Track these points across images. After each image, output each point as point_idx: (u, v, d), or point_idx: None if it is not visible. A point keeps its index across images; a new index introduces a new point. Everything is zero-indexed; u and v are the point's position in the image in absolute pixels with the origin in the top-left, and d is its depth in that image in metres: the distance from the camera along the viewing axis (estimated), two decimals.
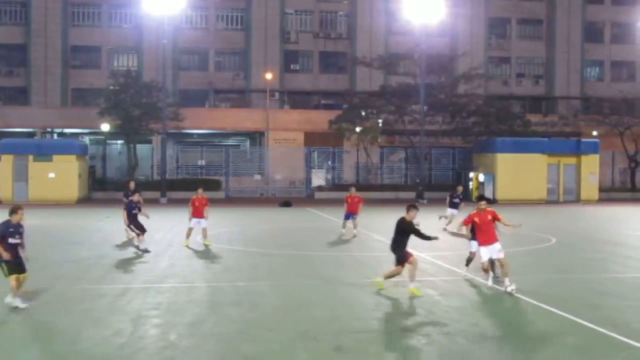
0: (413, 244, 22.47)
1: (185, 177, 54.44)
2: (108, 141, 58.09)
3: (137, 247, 20.25)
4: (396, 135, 58.64)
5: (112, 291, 14.21)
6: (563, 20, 68.89)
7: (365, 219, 27.33)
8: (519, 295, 13.48)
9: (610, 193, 54.57)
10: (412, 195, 49.83)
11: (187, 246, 21.31)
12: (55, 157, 45.59)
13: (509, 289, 13.52)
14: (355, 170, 57.21)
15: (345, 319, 11.80)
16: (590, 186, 50.49)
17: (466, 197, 49.34)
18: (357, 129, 53.20)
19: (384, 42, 64.86)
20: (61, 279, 15.88)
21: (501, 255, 14.03)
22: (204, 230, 21.86)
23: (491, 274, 14.15)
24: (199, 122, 57.10)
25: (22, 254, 12.53)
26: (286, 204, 44.16)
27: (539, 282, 15.32)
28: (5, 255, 12.09)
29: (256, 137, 62.22)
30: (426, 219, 33.97)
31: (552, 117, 61.71)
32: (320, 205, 43.74)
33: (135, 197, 21.54)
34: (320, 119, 56.65)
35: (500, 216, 14.48)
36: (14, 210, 12.50)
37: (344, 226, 25.58)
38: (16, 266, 12.29)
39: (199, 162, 57.85)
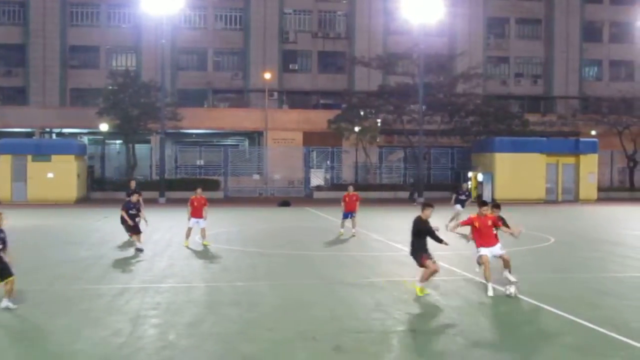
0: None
1: (184, 177, 54.39)
2: (107, 141, 58.06)
3: (139, 249, 20.23)
4: (395, 135, 58.64)
5: (111, 291, 14.21)
6: (561, 19, 68.91)
7: (364, 218, 27.34)
8: (517, 295, 13.48)
9: (608, 192, 54.55)
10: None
11: (187, 246, 21.30)
12: (53, 157, 45.55)
13: (509, 291, 13.45)
14: (354, 170, 57.20)
15: (344, 319, 11.79)
16: (588, 186, 50.50)
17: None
18: (356, 129, 53.18)
19: (382, 42, 64.86)
20: (60, 279, 15.88)
21: (502, 253, 14.08)
22: (203, 230, 21.85)
23: (490, 286, 13.80)
24: (198, 122, 57.08)
25: (6, 258, 12.47)
26: (285, 203, 44.15)
27: (538, 282, 15.32)
28: None
29: (255, 137, 62.21)
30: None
31: (551, 116, 61.70)
32: (319, 205, 43.73)
33: (134, 198, 21.43)
34: (319, 119, 56.63)
35: (500, 223, 14.42)
36: None
37: (342, 226, 25.55)
38: (0, 271, 12.25)
39: (198, 162, 57.81)
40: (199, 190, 22.28)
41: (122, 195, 31.89)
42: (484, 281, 13.98)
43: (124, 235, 21.63)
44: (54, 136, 59.28)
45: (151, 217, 25.53)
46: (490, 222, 14.04)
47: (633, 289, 14.87)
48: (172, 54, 60.84)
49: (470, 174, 50.53)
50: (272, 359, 9.67)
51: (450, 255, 18.04)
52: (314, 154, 58.34)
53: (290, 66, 65.77)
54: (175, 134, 56.42)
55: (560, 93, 68.76)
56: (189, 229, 21.83)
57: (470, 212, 15.08)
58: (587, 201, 49.30)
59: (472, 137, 55.60)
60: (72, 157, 45.86)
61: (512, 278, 13.94)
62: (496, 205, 15.36)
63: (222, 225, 28.54)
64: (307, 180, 56.20)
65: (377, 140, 55.97)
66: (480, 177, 49.10)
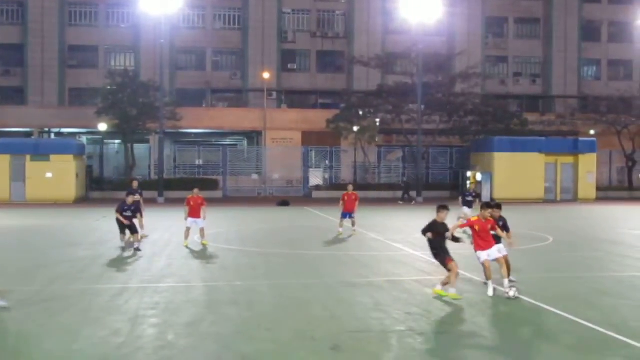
0: (412, 241, 22.58)
1: (182, 177, 54.36)
2: (105, 141, 58.02)
3: (137, 249, 20.22)
4: (394, 134, 58.64)
5: (110, 291, 14.21)
6: (560, 19, 68.91)
7: (363, 218, 27.35)
8: (518, 296, 13.45)
9: (607, 192, 54.54)
10: (411, 194, 49.87)
11: (186, 246, 21.29)
12: (52, 156, 45.49)
13: (510, 294, 13.43)
14: (352, 169, 57.18)
15: (343, 319, 11.80)
16: (587, 185, 50.50)
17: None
18: (355, 129, 53.16)
19: (381, 42, 64.84)
20: (58, 278, 15.87)
21: (501, 255, 13.95)
22: (202, 230, 21.82)
23: (491, 286, 13.78)
24: (197, 122, 57.06)
25: None
26: (284, 203, 44.14)
27: (537, 281, 15.33)
28: None
29: (253, 136, 62.18)
30: (419, 219, 34.01)
31: (550, 116, 61.74)
32: (318, 204, 43.72)
33: (129, 200, 21.26)
34: (317, 119, 56.60)
35: (497, 228, 14.37)
36: None
37: (341, 225, 25.54)
38: None
39: (197, 162, 57.74)
40: (195, 190, 22.27)
41: (121, 195, 31.85)
42: (484, 280, 13.92)
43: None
44: (52, 136, 59.24)
45: (150, 217, 25.59)
46: (489, 226, 13.96)
47: (632, 288, 14.89)
48: (170, 53, 60.79)
49: (469, 174, 50.55)
50: (270, 359, 9.67)
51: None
52: (313, 153, 58.33)
53: (289, 66, 65.74)
54: (174, 134, 56.40)
55: (559, 92, 68.77)
56: (188, 229, 21.82)
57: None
58: (586, 201, 49.31)
59: (471, 136, 55.58)
60: (70, 157, 45.81)
61: (510, 293, 13.74)
62: (497, 205, 15.29)
63: (221, 225, 28.53)
64: (305, 179, 56.18)
65: (376, 140, 55.97)
66: (479, 176, 49.10)
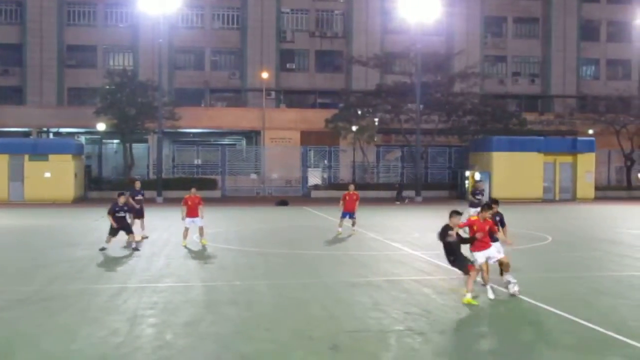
0: (411, 241, 22.59)
1: (181, 176, 54.30)
2: (104, 140, 57.98)
3: (136, 248, 20.20)
4: (392, 134, 58.63)
5: (108, 291, 14.20)
6: (559, 18, 68.93)
7: (362, 218, 27.33)
8: (519, 294, 13.47)
9: (606, 191, 54.58)
10: (410, 193, 49.88)
11: (185, 246, 21.28)
12: (51, 156, 45.46)
13: (512, 290, 13.43)
14: (351, 169, 57.16)
15: (341, 318, 11.79)
16: (586, 185, 50.53)
17: (463, 196, 49.84)
18: (354, 128, 53.17)
19: (379, 41, 64.83)
20: (57, 278, 15.86)
21: (499, 256, 13.88)
22: (201, 229, 21.78)
23: (490, 287, 13.73)
24: (195, 121, 57.06)
25: None
26: (282, 203, 44.14)
27: (535, 281, 15.33)
28: None
29: (252, 136, 62.18)
30: (418, 219, 34.03)
31: (548, 115, 61.76)
32: (317, 204, 43.73)
33: (121, 200, 20.94)
34: (316, 118, 56.61)
35: (496, 229, 14.34)
36: None
37: (340, 225, 25.52)
38: None
39: (195, 161, 57.73)
40: (193, 190, 22.25)
41: None
42: (481, 283, 13.83)
43: (121, 235, 21.50)
44: (51, 136, 59.23)
45: (148, 217, 25.54)
46: (487, 227, 13.88)
47: (630, 287, 14.89)
48: (169, 53, 60.77)
49: (467, 173, 50.57)
50: (269, 359, 9.66)
51: None
52: (312, 153, 58.34)
53: (288, 65, 65.73)
54: (173, 133, 56.38)
55: (557, 92, 68.79)
56: (186, 229, 21.78)
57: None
58: (585, 200, 49.34)
59: (470, 136, 55.58)
60: (69, 157, 45.78)
61: (511, 279, 13.76)
62: (494, 201, 15.27)
63: (219, 224, 28.54)
64: (304, 179, 56.17)
65: (375, 140, 55.98)
66: (477, 176, 49.09)
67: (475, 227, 13.64)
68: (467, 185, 50.23)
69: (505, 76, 69.17)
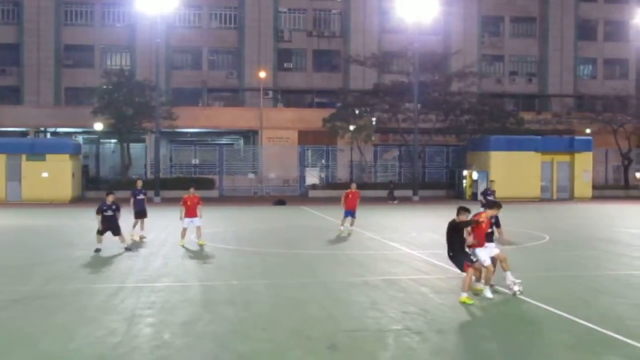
0: (409, 240, 22.58)
1: (179, 176, 54.29)
2: (101, 140, 57.97)
3: (128, 248, 20.14)
4: (390, 133, 58.64)
5: (106, 290, 14.18)
6: (556, 18, 69.00)
7: (359, 217, 27.28)
8: (519, 294, 13.46)
9: (603, 191, 54.68)
10: (407, 193, 49.94)
11: (183, 246, 21.25)
12: (48, 156, 45.42)
13: (515, 288, 13.41)
14: (349, 168, 57.18)
15: (339, 318, 11.79)
16: (583, 184, 50.59)
17: (461, 195, 49.90)
18: (351, 128, 53.19)
19: (377, 41, 64.84)
20: (54, 278, 15.84)
21: (497, 251, 13.96)
22: (199, 229, 21.75)
23: (488, 287, 13.67)
24: (193, 121, 57.05)
25: None
26: (280, 202, 44.13)
27: (533, 280, 15.32)
28: None
29: (250, 135, 62.16)
30: (416, 218, 34.05)
31: (546, 114, 61.81)
32: (315, 203, 43.73)
33: (110, 198, 20.60)
34: (314, 118, 56.64)
35: (494, 229, 14.34)
36: None
37: (342, 224, 25.57)
38: None
39: (193, 161, 57.70)
40: (192, 190, 22.18)
41: (118, 194, 31.74)
42: (483, 283, 13.76)
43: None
44: (48, 135, 59.23)
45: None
46: (486, 227, 13.87)
47: (628, 287, 14.90)
48: (166, 53, 60.77)
49: (465, 173, 50.61)
50: (267, 358, 9.65)
51: (444, 253, 18.01)
52: (309, 152, 58.33)
53: (285, 65, 65.75)
54: (170, 133, 56.36)
55: (555, 91, 68.87)
56: (184, 229, 21.71)
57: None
58: (582, 199, 49.39)
59: (467, 135, 55.65)
60: (66, 157, 45.76)
61: (514, 279, 13.75)
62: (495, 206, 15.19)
63: (217, 224, 28.52)
64: (302, 179, 56.18)
65: (372, 139, 56.02)
66: (475, 175, 49.16)
67: (483, 225, 13.61)
68: (464, 185, 50.29)
69: (502, 75, 69.22)
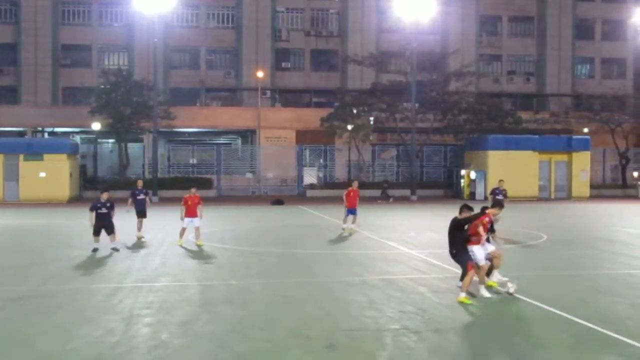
0: (407, 240, 22.58)
1: (176, 176, 54.22)
2: (99, 140, 57.90)
3: (115, 249, 19.95)
4: (388, 133, 58.60)
5: (104, 290, 14.17)
6: (554, 17, 69.02)
7: (357, 216, 27.30)
8: (515, 293, 13.48)
9: (601, 190, 54.71)
10: (405, 192, 49.95)
11: (181, 245, 21.24)
12: (46, 156, 45.36)
13: (510, 290, 13.43)
14: (347, 168, 57.18)
15: (337, 317, 11.79)
16: (581, 183, 50.61)
17: (459, 194, 49.91)
18: (349, 127, 53.16)
19: (375, 40, 64.81)
20: (52, 278, 15.83)
21: (493, 248, 14.02)
22: (197, 230, 21.70)
23: (484, 287, 13.65)
24: (190, 121, 56.98)
25: None
26: (278, 202, 44.10)
27: (531, 280, 15.34)
28: None
29: (247, 135, 62.12)
30: (414, 217, 34.03)
31: (543, 114, 61.82)
32: (312, 203, 43.74)
33: (104, 196, 20.40)
34: (311, 117, 56.60)
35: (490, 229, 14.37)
36: None
37: (345, 222, 25.67)
38: None
39: (191, 161, 57.68)
40: (193, 190, 22.10)
41: (116, 194, 31.76)
42: (478, 282, 13.77)
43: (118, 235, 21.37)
44: (46, 135, 59.13)
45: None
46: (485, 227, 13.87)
47: (626, 286, 14.91)
48: (164, 52, 60.71)
49: (463, 172, 50.61)
50: (265, 358, 9.65)
51: (442, 253, 18.03)
52: (307, 152, 58.31)
53: (283, 64, 65.69)
54: (168, 133, 56.29)
55: (552, 91, 68.88)
56: (184, 229, 21.67)
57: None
58: (580, 198, 49.42)
59: (465, 135, 55.64)
60: (64, 156, 45.70)
61: (499, 276, 13.76)
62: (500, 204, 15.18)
63: (215, 224, 28.50)
64: (300, 178, 56.16)
65: (370, 139, 55.98)
66: (473, 175, 49.18)
67: (486, 223, 13.61)
68: (462, 184, 50.29)
69: (500, 75, 69.22)
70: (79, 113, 54.22)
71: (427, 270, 16.83)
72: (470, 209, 13.38)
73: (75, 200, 46.19)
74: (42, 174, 44.77)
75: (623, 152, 57.69)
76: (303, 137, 58.22)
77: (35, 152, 45.78)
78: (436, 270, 16.67)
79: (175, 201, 23.57)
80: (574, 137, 52.42)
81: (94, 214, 19.95)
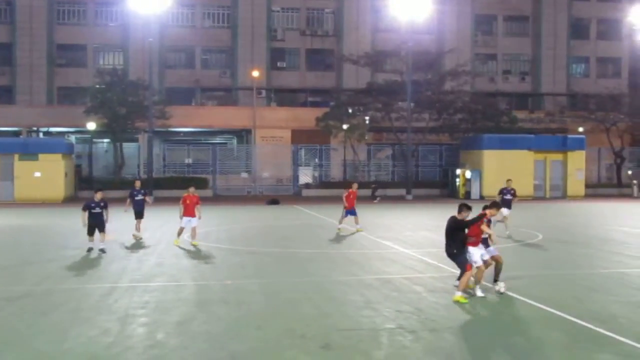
0: (402, 239, 22.60)
1: (172, 176, 54.17)
2: (94, 140, 57.70)
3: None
4: (383, 132, 58.63)
5: (99, 290, 14.15)
6: (549, 16, 69.11)
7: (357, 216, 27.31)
8: (505, 292, 13.52)
9: (596, 189, 54.81)
10: (400, 192, 49.99)
11: (177, 245, 21.21)
12: (41, 156, 45.27)
13: (502, 290, 13.46)
14: (342, 167, 57.19)
15: (333, 317, 11.79)
16: (576, 182, 50.70)
17: (454, 194, 49.95)
18: (344, 127, 53.18)
19: (370, 40, 64.83)
20: (47, 278, 15.80)
21: (496, 253, 13.96)
22: (194, 230, 21.61)
23: (479, 287, 13.65)
24: (186, 120, 56.94)
25: None
26: (273, 202, 44.08)
27: (526, 278, 15.36)
28: None
29: (243, 135, 62.09)
30: (409, 217, 34.05)
31: (539, 113, 61.90)
32: (308, 202, 43.73)
33: (98, 196, 20.15)
34: (307, 117, 56.61)
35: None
36: None
37: (341, 222, 25.80)
38: None
39: (186, 161, 57.64)
40: (191, 189, 22.02)
41: (111, 193, 31.79)
42: (473, 282, 13.75)
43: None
44: (41, 135, 59.02)
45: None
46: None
47: (621, 285, 14.93)
48: (159, 52, 60.65)
49: (458, 171, 50.64)
50: (261, 357, 9.65)
51: (437, 252, 18.05)
52: (303, 151, 58.29)
53: (278, 64, 65.67)
54: (163, 133, 56.25)
55: (547, 90, 68.98)
56: (181, 228, 21.63)
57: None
58: (575, 197, 49.50)
59: (461, 134, 55.70)
60: (59, 156, 45.62)
61: (501, 288, 13.76)
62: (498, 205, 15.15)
63: (211, 223, 28.47)
64: (295, 178, 56.15)
65: (366, 138, 56.03)
66: (468, 174, 49.22)
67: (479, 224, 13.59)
68: (457, 184, 50.30)
69: (495, 74, 69.30)
70: (74, 113, 54.13)
71: (423, 269, 16.85)
72: (469, 208, 13.35)
73: (70, 200, 46.07)
74: (37, 174, 44.70)
75: (618, 151, 57.80)
76: (299, 136, 58.19)
77: (30, 151, 45.69)
78: (432, 270, 16.69)
79: (170, 201, 23.54)
80: (569, 136, 52.50)
81: (86, 213, 19.79)
